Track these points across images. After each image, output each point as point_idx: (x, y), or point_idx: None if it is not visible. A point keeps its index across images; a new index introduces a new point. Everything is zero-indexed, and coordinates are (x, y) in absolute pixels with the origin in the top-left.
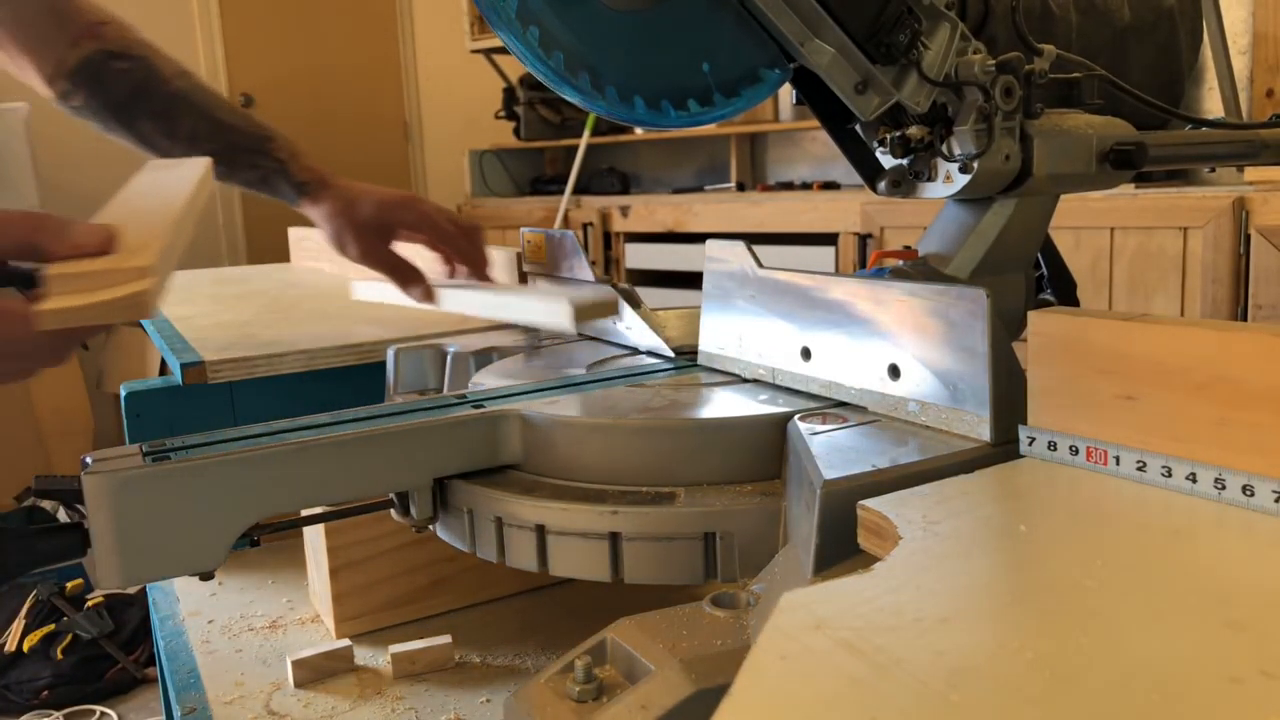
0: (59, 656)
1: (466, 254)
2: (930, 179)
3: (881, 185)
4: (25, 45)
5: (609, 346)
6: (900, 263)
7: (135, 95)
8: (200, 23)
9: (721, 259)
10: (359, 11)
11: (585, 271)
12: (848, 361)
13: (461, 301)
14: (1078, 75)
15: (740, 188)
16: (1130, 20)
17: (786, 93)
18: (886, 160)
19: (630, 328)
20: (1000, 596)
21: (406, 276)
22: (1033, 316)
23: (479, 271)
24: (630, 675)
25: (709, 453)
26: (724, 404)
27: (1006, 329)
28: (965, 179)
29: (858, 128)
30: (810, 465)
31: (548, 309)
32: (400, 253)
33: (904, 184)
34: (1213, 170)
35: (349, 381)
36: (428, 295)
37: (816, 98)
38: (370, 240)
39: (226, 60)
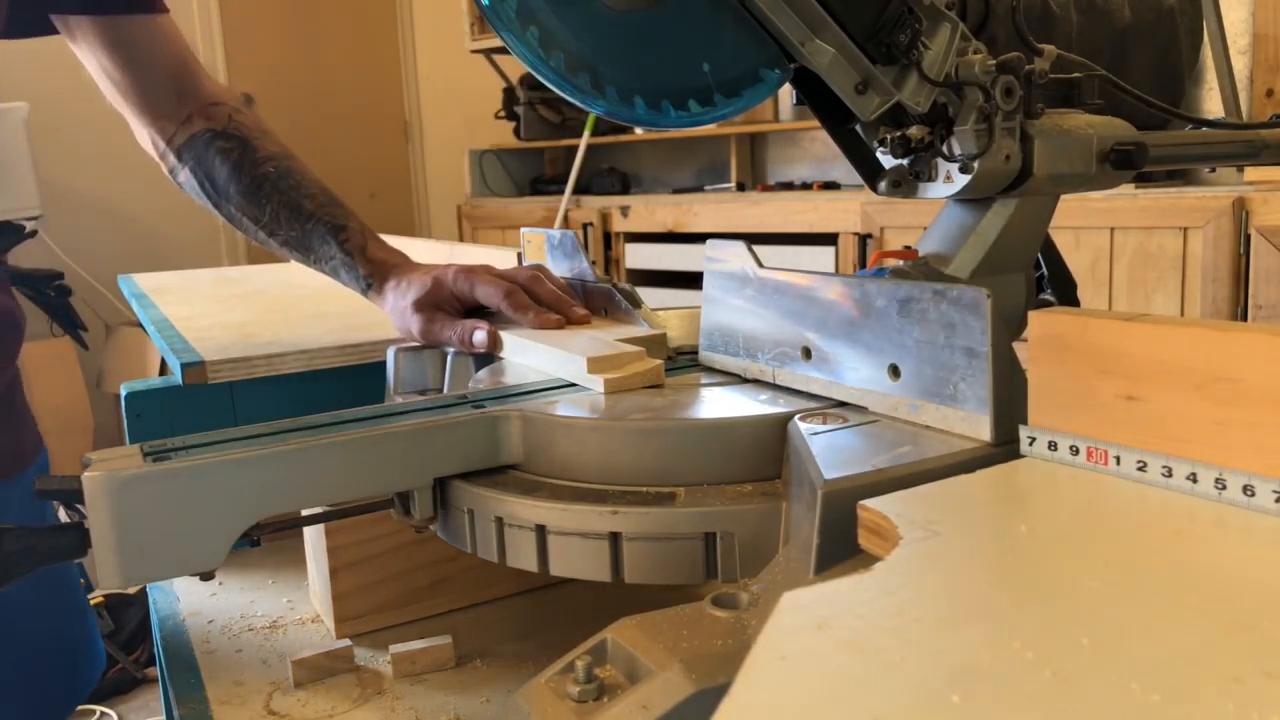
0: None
1: (541, 305)
2: (930, 179)
3: (882, 185)
4: (145, 114)
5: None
6: (900, 263)
7: (230, 175)
8: (200, 23)
9: (721, 259)
10: (359, 11)
11: (586, 272)
12: (848, 361)
13: (519, 348)
14: (1078, 75)
15: (740, 188)
16: (1130, 20)
17: (786, 93)
18: (887, 160)
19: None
20: (1000, 596)
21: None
22: (1033, 316)
23: (563, 313)
24: (631, 675)
25: (709, 453)
26: (724, 404)
27: (1006, 329)
28: (965, 179)
29: (858, 128)
30: (810, 465)
31: (566, 360)
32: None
33: (904, 184)
34: (1213, 170)
35: (349, 381)
36: (494, 346)
37: (817, 98)
38: (425, 320)
39: (226, 60)
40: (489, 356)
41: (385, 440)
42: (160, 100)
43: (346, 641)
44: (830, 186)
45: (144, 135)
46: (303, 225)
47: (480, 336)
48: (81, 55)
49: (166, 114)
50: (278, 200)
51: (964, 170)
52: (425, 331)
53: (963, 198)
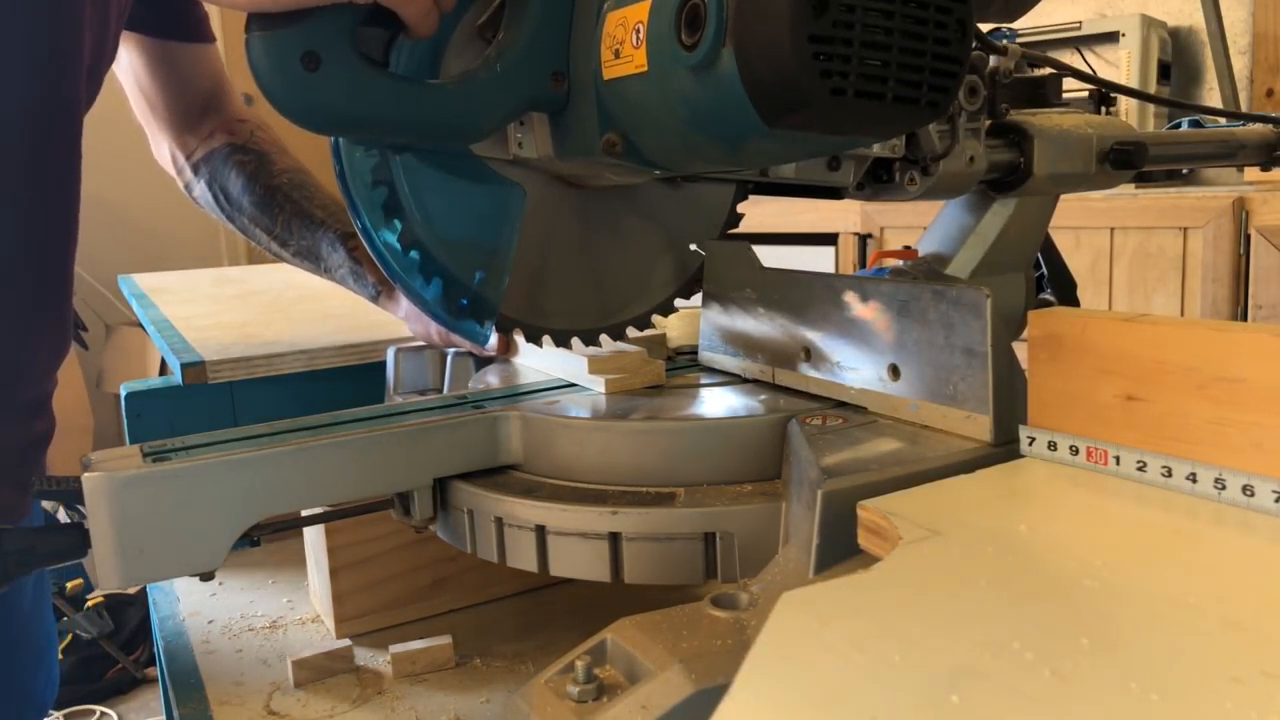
0: (59, 656)
1: None
2: (893, 180)
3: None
4: (172, 131)
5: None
6: (900, 263)
7: (244, 187)
8: None
9: (721, 259)
10: None
11: None
12: (848, 361)
13: (523, 349)
14: (1046, 74)
15: None
16: None
17: None
18: None
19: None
20: (1000, 596)
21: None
22: (1033, 316)
23: None
24: (630, 675)
25: (709, 453)
26: (724, 404)
27: (1006, 329)
28: (928, 180)
29: None
30: (810, 465)
31: (568, 361)
32: None
33: (868, 187)
34: (1189, 171)
35: (349, 381)
36: (507, 349)
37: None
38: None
39: (226, 60)
40: (490, 356)
41: (385, 440)
42: (189, 119)
43: (346, 641)
44: None
45: (164, 150)
46: (313, 234)
47: (493, 340)
48: (119, 69)
49: (192, 130)
50: (290, 210)
51: (926, 172)
52: (446, 336)
53: (928, 199)
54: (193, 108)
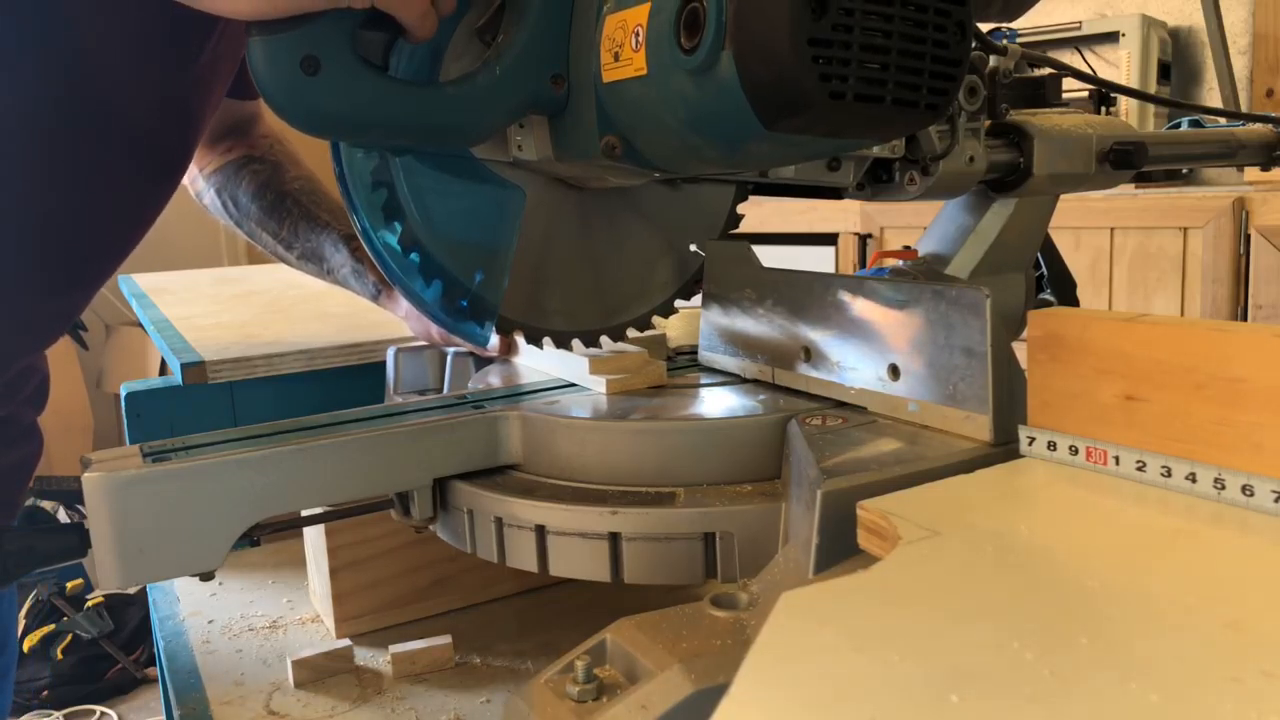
0: (59, 656)
1: None
2: (893, 180)
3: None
4: (199, 148)
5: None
6: (900, 263)
7: (255, 194)
8: None
9: (721, 259)
10: None
11: None
12: (848, 361)
13: (523, 349)
14: (1045, 74)
15: None
16: None
17: None
18: None
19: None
20: (1000, 596)
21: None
22: (1033, 316)
23: None
24: (630, 675)
25: (709, 453)
26: (724, 404)
27: (1006, 329)
28: (928, 181)
29: None
30: (810, 465)
31: (569, 361)
32: None
33: (867, 187)
34: (1189, 171)
35: (349, 381)
36: (508, 350)
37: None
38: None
39: None
40: (491, 356)
41: (385, 440)
42: (214, 141)
43: (346, 641)
44: None
45: None
46: (317, 236)
47: (494, 340)
48: None
49: (212, 148)
50: (297, 213)
51: (926, 172)
52: (446, 335)
53: (927, 199)
54: (226, 132)
